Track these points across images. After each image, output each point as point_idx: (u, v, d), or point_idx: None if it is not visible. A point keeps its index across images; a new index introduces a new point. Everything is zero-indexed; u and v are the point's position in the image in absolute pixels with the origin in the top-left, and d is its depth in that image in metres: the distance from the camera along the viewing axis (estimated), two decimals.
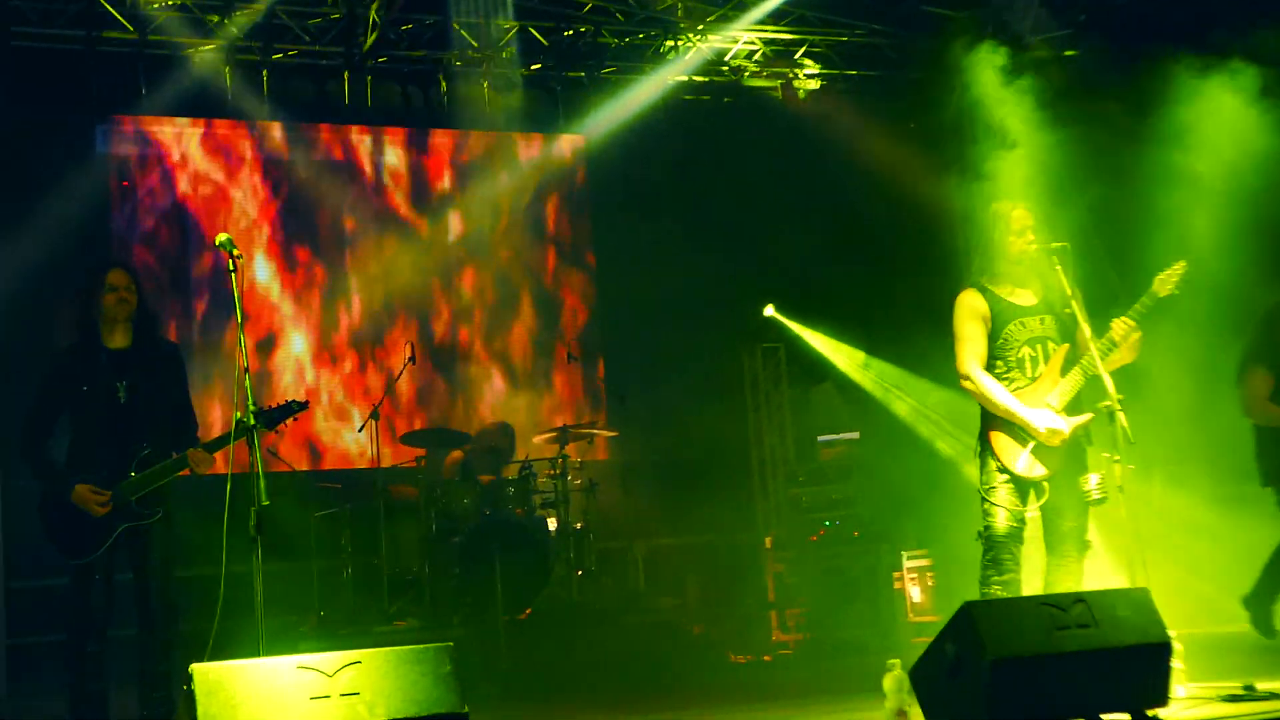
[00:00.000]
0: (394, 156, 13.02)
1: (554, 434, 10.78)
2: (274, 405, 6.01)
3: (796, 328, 13.65)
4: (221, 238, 5.61)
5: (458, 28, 12.85)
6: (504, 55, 13.12)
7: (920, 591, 11.73)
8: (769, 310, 13.58)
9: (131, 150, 11.99)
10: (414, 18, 12.64)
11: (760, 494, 13.34)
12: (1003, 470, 5.93)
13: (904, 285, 12.05)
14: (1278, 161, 10.05)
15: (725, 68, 13.81)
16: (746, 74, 13.89)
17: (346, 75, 12.83)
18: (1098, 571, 6.02)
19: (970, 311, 6.08)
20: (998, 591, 5.80)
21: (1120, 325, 5.93)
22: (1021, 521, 5.92)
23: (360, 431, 11.27)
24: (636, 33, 13.50)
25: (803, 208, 13.23)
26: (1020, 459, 5.91)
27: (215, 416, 11.18)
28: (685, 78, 13.71)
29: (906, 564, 11.91)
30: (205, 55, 12.02)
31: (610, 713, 7.65)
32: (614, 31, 13.39)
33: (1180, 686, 5.22)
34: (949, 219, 13.80)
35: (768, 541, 12.62)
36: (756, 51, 13.70)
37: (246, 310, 5.61)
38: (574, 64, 13.51)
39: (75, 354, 6.06)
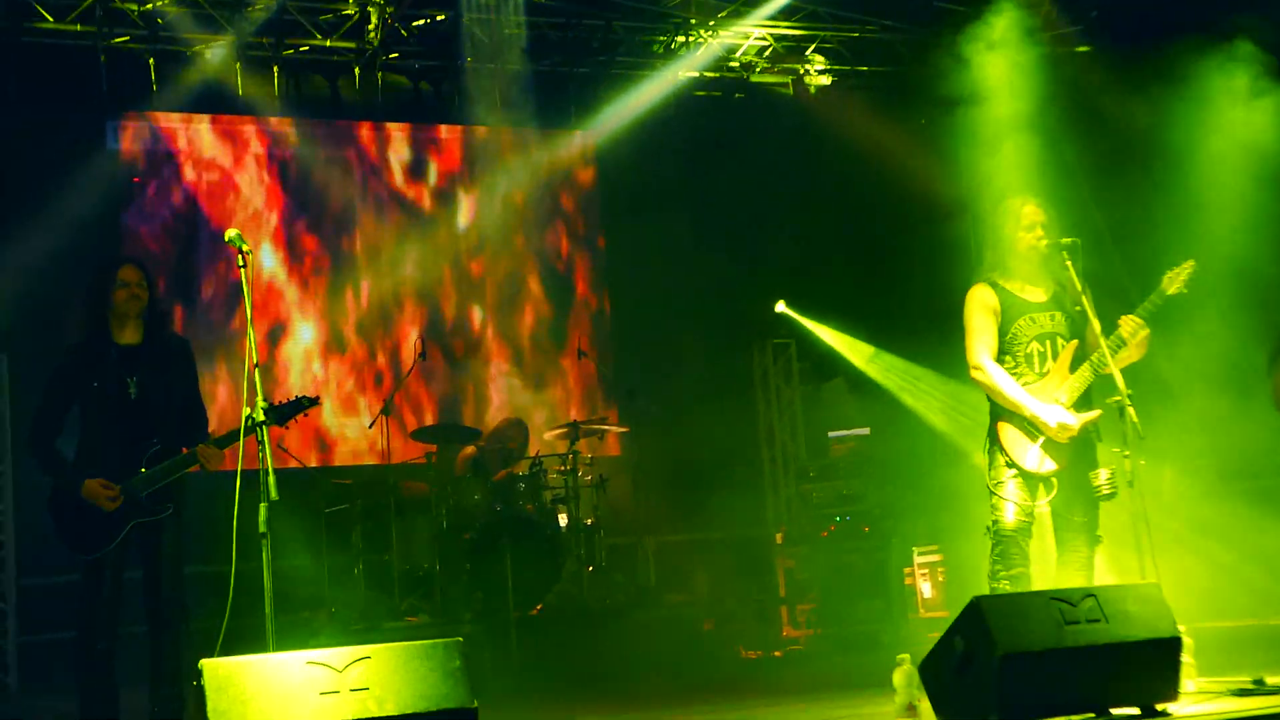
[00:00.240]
0: (404, 153, 13.02)
1: (565, 430, 10.79)
2: (284, 401, 6.01)
3: (807, 323, 13.64)
4: (231, 233, 5.62)
5: (468, 24, 12.85)
6: (514, 51, 13.12)
7: (931, 587, 11.73)
8: (780, 306, 13.58)
9: (142, 146, 12.01)
10: (425, 13, 12.65)
11: (771, 490, 13.34)
12: (1011, 465, 5.93)
13: (915, 280, 12.05)
14: None
15: (736, 64, 13.80)
16: (758, 70, 13.88)
17: (357, 71, 12.84)
18: (1108, 566, 6.00)
19: (981, 305, 6.09)
20: (1006, 586, 5.79)
21: (1129, 323, 5.93)
22: (1030, 516, 5.91)
23: (370, 427, 11.28)
24: (647, 29, 13.50)
25: (814, 203, 13.23)
26: (1030, 454, 5.90)
27: (224, 412, 11.19)
28: (696, 74, 13.71)
29: (917, 559, 11.91)
30: (216, 51, 12.05)
31: (621, 708, 7.66)
32: (625, 28, 13.39)
33: (1190, 681, 5.21)
34: (960, 215, 13.83)
35: (778, 537, 12.64)
36: (768, 48, 13.69)
37: (257, 305, 5.61)
38: (584, 60, 13.50)
39: (85, 350, 6.06)
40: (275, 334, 12.13)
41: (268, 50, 12.29)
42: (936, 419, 12.74)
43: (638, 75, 13.62)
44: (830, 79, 13.90)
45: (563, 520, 10.48)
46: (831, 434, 12.97)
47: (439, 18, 12.70)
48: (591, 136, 13.77)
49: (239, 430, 5.73)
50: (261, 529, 5.21)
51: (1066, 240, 6.03)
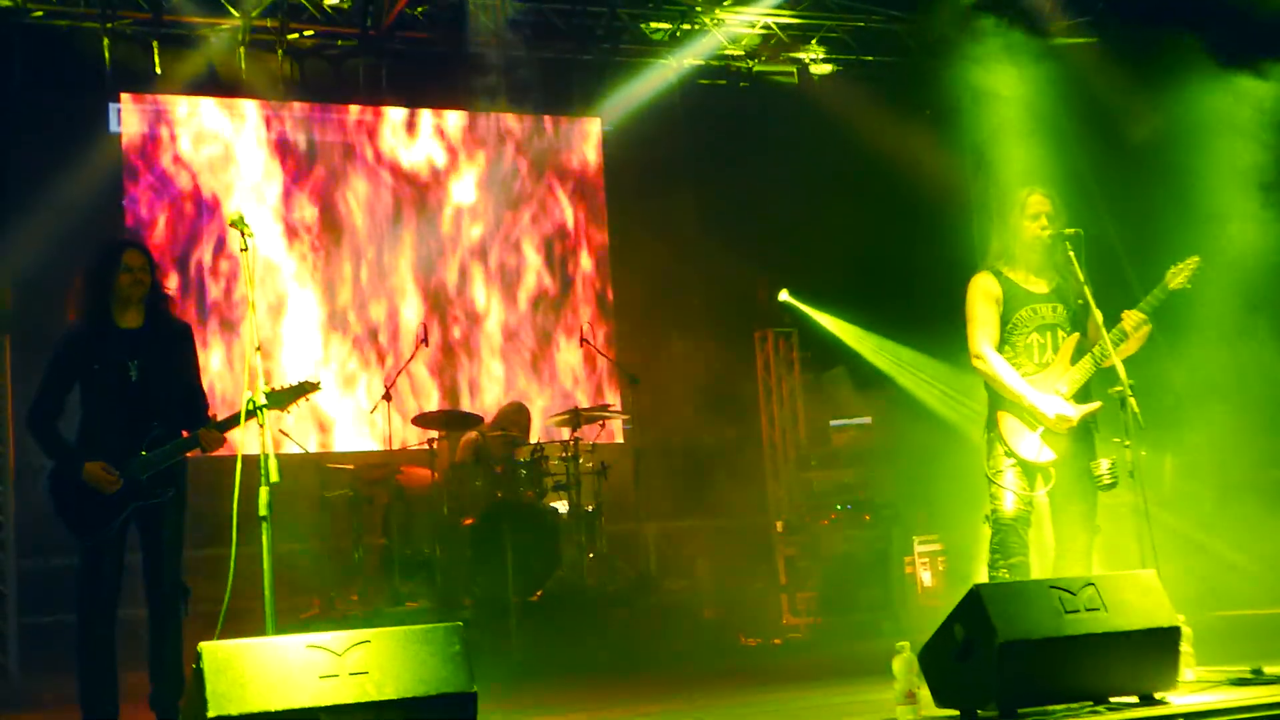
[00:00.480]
0: (408, 137, 13.01)
1: (566, 416, 10.79)
2: (286, 385, 6.01)
3: (810, 312, 13.66)
4: (234, 216, 5.65)
5: (474, 9, 12.85)
6: (519, 38, 13.11)
7: (931, 575, 11.76)
8: (783, 295, 13.60)
9: (145, 129, 12.01)
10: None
11: (772, 477, 13.36)
12: (1010, 454, 5.94)
13: (918, 270, 12.06)
14: None
15: (741, 52, 13.78)
16: (762, 58, 13.86)
17: (362, 56, 12.83)
18: (1107, 555, 6.01)
19: (983, 293, 6.10)
20: (1005, 575, 5.81)
21: (1131, 317, 5.95)
22: (1029, 505, 5.93)
23: (373, 413, 11.29)
24: (651, 16, 13.49)
25: (818, 192, 13.23)
26: (1029, 444, 5.92)
27: (224, 395, 11.21)
28: (701, 62, 13.69)
29: (917, 548, 11.94)
30: (220, 34, 12.04)
31: (620, 695, 7.67)
32: (629, 15, 13.38)
33: (1188, 670, 5.22)
34: (964, 204, 13.85)
35: (779, 525, 12.65)
36: (772, 37, 13.67)
37: (258, 286, 5.62)
38: (590, 47, 13.49)
39: (87, 333, 6.05)
40: (275, 314, 12.12)
41: (272, 33, 12.29)
42: (938, 408, 12.77)
43: (642, 63, 13.62)
44: (835, 68, 13.88)
45: (563, 507, 10.48)
46: (833, 423, 12.99)
47: (445, 2, 12.70)
48: (596, 124, 13.78)
49: (240, 414, 5.74)
50: (262, 512, 5.22)
51: (1070, 230, 6.04)
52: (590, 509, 10.51)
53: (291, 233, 12.41)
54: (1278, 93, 10.52)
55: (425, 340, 11.28)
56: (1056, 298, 6.10)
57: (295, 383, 6.00)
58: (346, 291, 12.50)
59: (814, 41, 13.75)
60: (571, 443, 10.56)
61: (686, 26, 13.47)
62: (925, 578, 11.93)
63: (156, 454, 5.93)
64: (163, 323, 6.17)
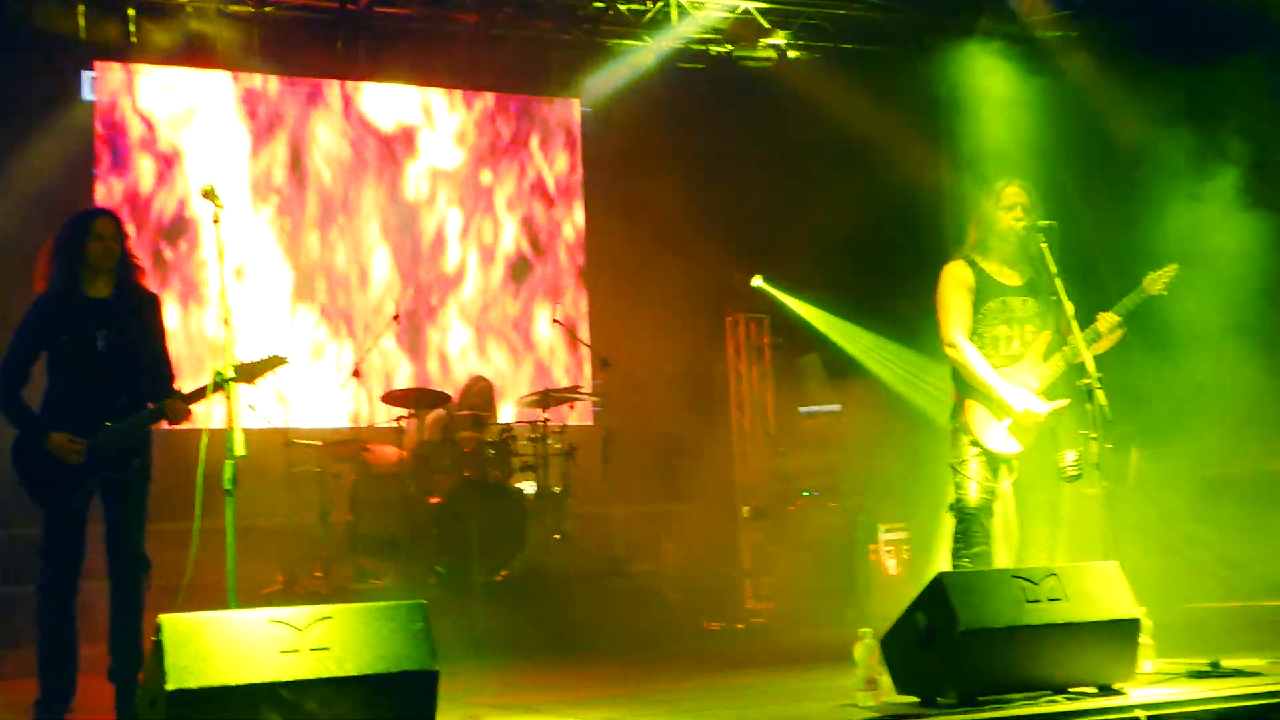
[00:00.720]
0: (386, 113, 12.96)
1: (536, 397, 10.79)
2: (254, 359, 5.98)
3: (783, 298, 13.68)
4: (207, 187, 5.63)
5: None
6: (501, 16, 13.07)
7: (895, 563, 11.80)
8: (756, 280, 13.61)
9: (119, 97, 11.93)
10: None
11: (740, 463, 13.37)
12: (975, 444, 5.97)
13: (893, 258, 12.09)
14: None
15: (721, 36, 13.75)
16: (742, 42, 13.82)
17: (340, 29, 12.76)
18: (1070, 547, 6.04)
19: (956, 281, 6.12)
20: (968, 564, 5.84)
21: (1107, 319, 6.00)
22: (992, 495, 5.96)
23: (341, 390, 11.26)
24: None
25: (795, 179, 13.24)
26: (995, 434, 5.94)
27: (191, 365, 11.15)
28: (681, 45, 13.66)
29: (883, 536, 11.98)
30: (198, 4, 11.96)
31: (582, 677, 7.68)
32: None
33: (1148, 662, 5.26)
34: (940, 194, 13.88)
35: (746, 510, 12.68)
36: (753, 21, 13.63)
37: (229, 260, 5.59)
38: (570, 27, 13.44)
39: (55, 301, 6.00)
40: (242, 284, 12.07)
41: (251, 5, 12.21)
42: (910, 397, 12.80)
43: (622, 45, 13.58)
44: (814, 55, 13.86)
45: (530, 488, 10.48)
46: (802, 409, 13.02)
47: None
48: (574, 104, 13.76)
49: (207, 387, 5.72)
50: (226, 486, 5.20)
51: (1044, 222, 6.06)
52: (558, 490, 10.52)
53: (263, 203, 12.35)
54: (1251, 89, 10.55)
55: (397, 317, 11.27)
56: (1028, 291, 6.12)
57: (263, 356, 5.98)
58: (316, 264, 12.45)
59: (794, 27, 13.71)
60: (540, 423, 10.56)
61: (667, 9, 13.43)
62: (890, 565, 11.97)
63: (122, 425, 5.90)
64: (131, 293, 6.13)
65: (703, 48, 13.82)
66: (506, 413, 11.98)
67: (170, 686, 3.81)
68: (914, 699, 4.82)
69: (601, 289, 13.43)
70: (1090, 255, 10.32)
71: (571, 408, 11.45)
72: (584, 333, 13.09)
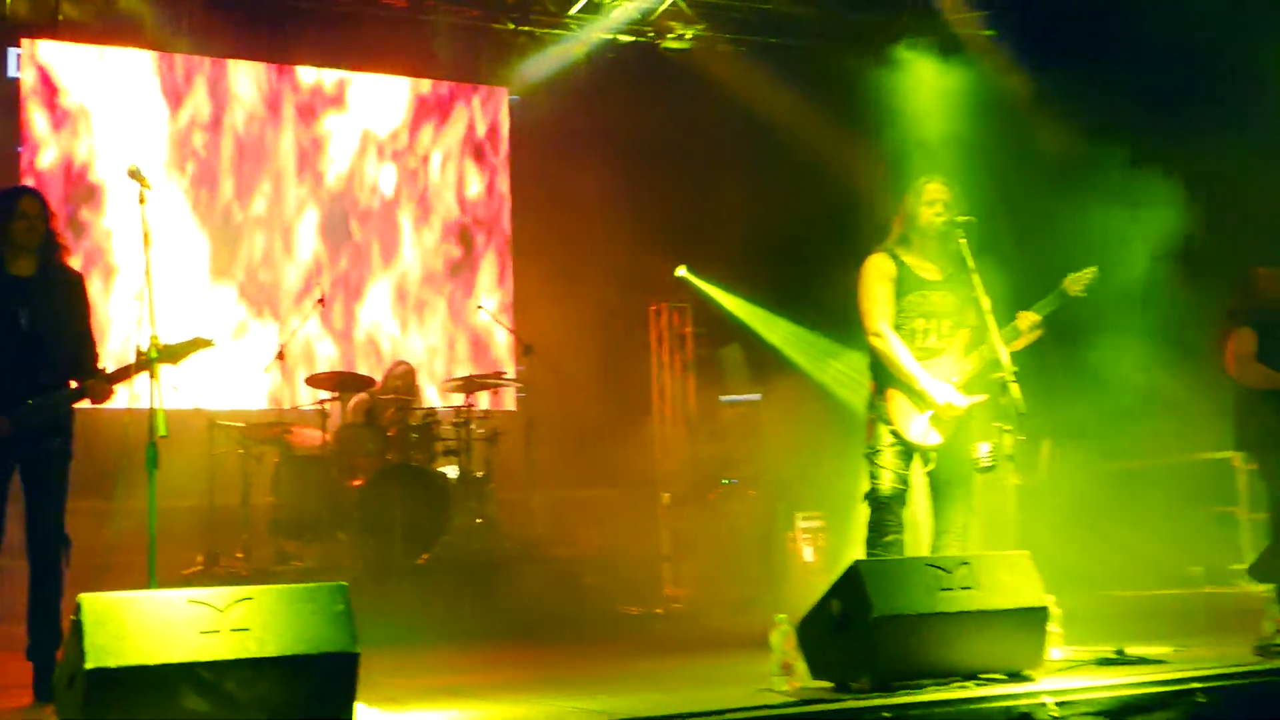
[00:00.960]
0: (312, 96, 12.86)
1: (459, 383, 10.75)
2: (179, 340, 5.90)
3: (706, 288, 13.72)
4: (132, 167, 5.58)
5: None
6: (429, 3, 13.00)
7: (812, 551, 11.87)
8: (680, 270, 13.64)
9: (44, 75, 11.76)
10: None
11: (661, 450, 13.40)
12: (893, 434, 6.00)
13: (815, 250, 12.14)
14: None
15: (649, 29, 13.75)
16: (670, 35, 13.83)
17: (270, 14, 12.63)
18: (982, 536, 6.11)
19: (879, 273, 6.14)
20: (881, 553, 5.87)
21: (1026, 318, 6.06)
22: (905, 484, 6.00)
23: (265, 372, 11.15)
24: None
25: (720, 172, 13.27)
26: (916, 425, 5.98)
27: (114, 345, 11.01)
28: (610, 36, 13.65)
29: (800, 524, 12.04)
30: None
31: (501, 659, 7.67)
32: None
33: (1056, 649, 5.33)
34: (861, 187, 13.94)
35: (666, 497, 12.70)
36: (680, 14, 13.64)
37: (150, 235, 5.52)
38: (501, 16, 13.40)
39: None
40: (170, 265, 11.92)
41: None
42: (829, 387, 12.89)
43: (551, 34, 13.56)
44: (740, 49, 13.90)
45: (453, 472, 10.45)
46: (723, 398, 13.06)
47: None
48: (503, 93, 13.72)
49: (131, 366, 5.66)
50: (149, 466, 5.15)
51: (963, 218, 6.10)
52: (480, 475, 10.50)
53: (190, 183, 12.22)
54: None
55: (321, 301, 11.19)
56: (947, 287, 6.15)
57: (189, 338, 5.91)
58: (236, 244, 12.35)
59: (721, 21, 13.74)
60: (464, 409, 10.53)
61: (597, 0, 13.42)
62: (806, 553, 12.04)
63: (44, 402, 5.81)
64: (55, 271, 6.05)
65: (631, 39, 13.82)
66: (431, 396, 11.93)
67: (89, 665, 3.77)
68: (828, 684, 4.85)
69: (526, 277, 13.42)
70: (1010, 253, 10.43)
71: (495, 393, 11.44)
72: (508, 319, 13.07)
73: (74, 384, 5.89)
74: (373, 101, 13.13)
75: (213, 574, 9.45)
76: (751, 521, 11.81)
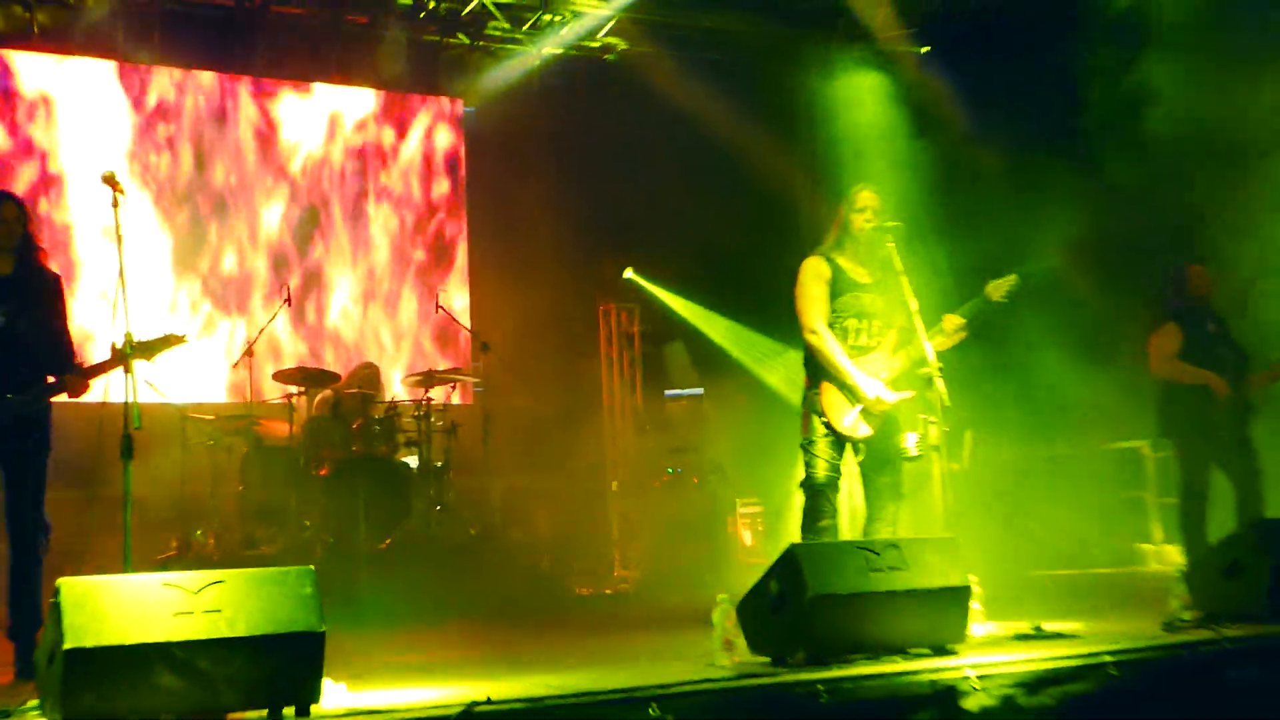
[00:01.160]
0: (276, 107, 12.78)
1: (420, 378, 10.72)
2: (153, 336, 5.85)
3: (652, 289, 13.75)
4: (107, 174, 5.55)
5: None
6: (389, 19, 12.96)
7: (751, 535, 11.94)
8: (628, 273, 13.67)
9: (16, 83, 11.63)
10: None
11: (610, 441, 13.42)
12: (826, 425, 6.04)
13: (753, 254, 12.18)
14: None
15: (598, 44, 13.75)
16: (618, 49, 13.84)
17: (237, 27, 12.55)
18: (910, 521, 6.15)
19: (815, 275, 6.17)
20: (816, 537, 5.90)
21: (951, 320, 6.11)
22: (838, 472, 6.03)
23: (235, 367, 11.08)
24: (515, 5, 13.41)
25: (664, 180, 13.28)
26: (848, 417, 6.01)
27: (87, 344, 10.90)
28: (560, 50, 13.64)
29: (740, 510, 12.11)
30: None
31: (460, 639, 7.65)
32: (498, 4, 13.28)
33: (978, 625, 5.37)
34: (796, 194, 14.01)
35: (614, 484, 12.72)
36: (627, 30, 13.65)
37: (127, 243, 5.47)
38: (458, 31, 13.38)
39: None
40: (140, 266, 11.84)
41: (150, 1, 11.97)
42: (766, 381, 12.95)
43: (504, 49, 13.56)
44: (683, 62, 13.92)
45: (414, 461, 10.42)
46: (668, 392, 13.10)
47: None
48: (458, 104, 13.69)
49: (107, 362, 5.61)
50: (124, 456, 5.11)
51: (891, 224, 6.15)
52: (439, 464, 10.47)
53: (155, 189, 12.12)
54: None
55: (288, 300, 11.13)
56: (877, 289, 6.19)
57: (162, 334, 5.86)
58: (210, 253, 12.26)
59: (663, 36, 13.76)
60: (424, 402, 10.50)
61: (547, 16, 13.40)
62: (746, 537, 12.11)
63: (23, 397, 5.76)
64: (33, 271, 5.99)
65: (580, 53, 13.82)
66: (394, 388, 11.91)
67: (67, 645, 3.74)
68: (767, 659, 4.88)
69: (483, 278, 13.41)
70: (937, 258, 10.51)
71: (453, 388, 11.39)
72: (466, 318, 13.04)
73: (51, 379, 5.83)
74: (335, 111, 13.06)
75: (185, 559, 9.38)
76: (695, 507, 11.83)
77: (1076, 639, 5.17)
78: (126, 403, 5.18)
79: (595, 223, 13.27)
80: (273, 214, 12.59)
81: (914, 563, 4.92)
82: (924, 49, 13.64)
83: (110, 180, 5.53)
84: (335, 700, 4.25)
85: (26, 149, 11.64)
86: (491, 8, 13.24)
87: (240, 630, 3.96)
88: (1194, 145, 10.00)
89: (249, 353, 10.60)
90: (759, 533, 12.07)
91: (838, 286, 6.14)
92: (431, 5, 13.06)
